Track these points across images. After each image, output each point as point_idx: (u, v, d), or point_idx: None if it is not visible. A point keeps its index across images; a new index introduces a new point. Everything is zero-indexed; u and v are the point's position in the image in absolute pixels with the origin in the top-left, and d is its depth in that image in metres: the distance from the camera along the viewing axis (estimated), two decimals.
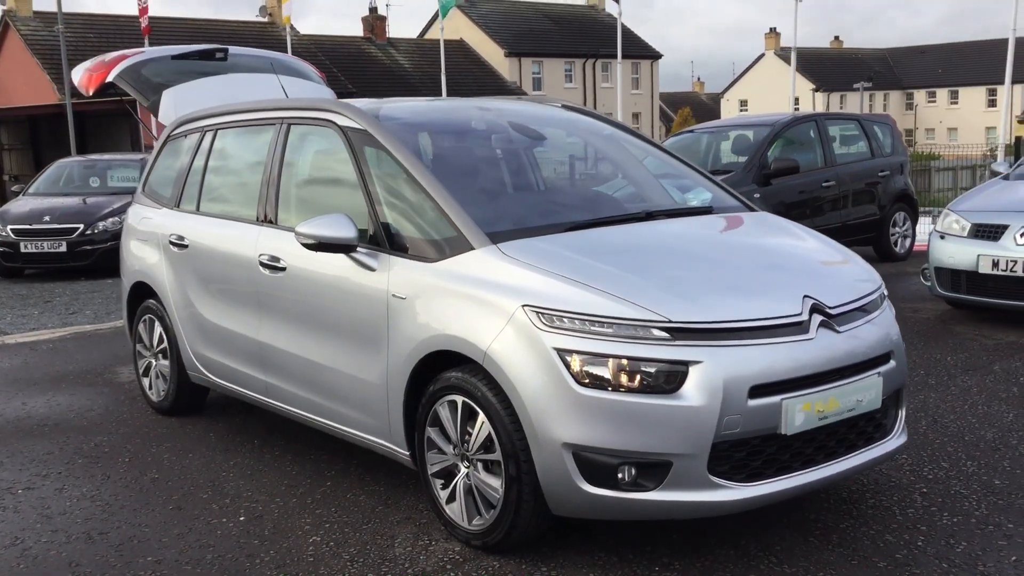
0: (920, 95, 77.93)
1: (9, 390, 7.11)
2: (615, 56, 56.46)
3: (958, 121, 74.19)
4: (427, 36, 54.38)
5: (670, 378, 3.51)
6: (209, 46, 7.15)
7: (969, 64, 74.65)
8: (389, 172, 4.50)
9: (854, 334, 3.86)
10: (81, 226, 13.45)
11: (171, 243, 5.90)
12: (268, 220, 5.13)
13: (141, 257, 6.28)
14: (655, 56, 57.12)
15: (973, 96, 74.26)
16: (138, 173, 14.68)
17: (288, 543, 4.18)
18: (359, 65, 44.61)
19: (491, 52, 50.91)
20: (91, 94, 7.08)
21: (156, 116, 6.59)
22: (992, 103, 71.97)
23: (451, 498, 4.09)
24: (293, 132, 5.17)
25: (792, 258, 4.31)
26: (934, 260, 8.07)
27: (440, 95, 45.82)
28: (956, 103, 75.64)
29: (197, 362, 5.80)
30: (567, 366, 3.57)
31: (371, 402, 4.40)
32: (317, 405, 4.79)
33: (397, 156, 4.43)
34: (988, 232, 7.63)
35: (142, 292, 6.35)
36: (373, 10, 49.25)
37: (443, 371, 4.05)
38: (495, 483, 3.85)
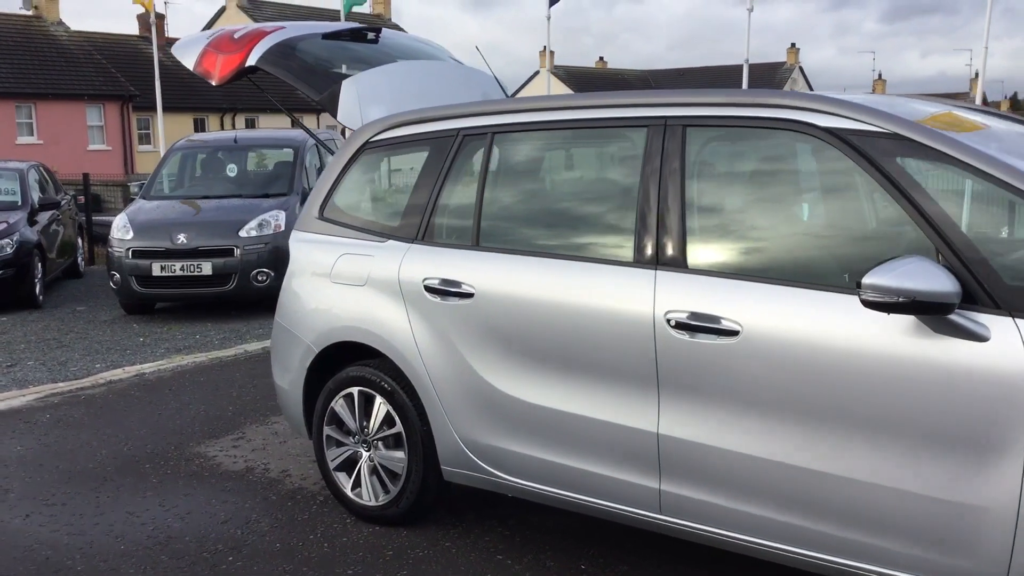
0: None
1: (74, 489, 5.07)
2: None
3: None
4: None
5: None
6: (357, 25, 5.40)
7: (722, 86, 78.71)
8: (979, 195, 3.19)
9: None
10: None
11: (429, 289, 4.22)
12: (667, 263, 3.63)
13: (348, 308, 4.51)
14: None
15: None
16: (16, 184, 12.01)
17: None
18: (137, 65, 40.87)
19: None
20: (221, 82, 5.11)
21: (333, 113, 4.80)
22: None
23: None
24: (694, 137, 3.69)
25: None
26: None
27: (227, 97, 42.72)
28: None
29: (473, 455, 4.17)
30: None
31: (981, 538, 3.02)
32: (815, 535, 3.32)
33: (997, 175, 3.09)
34: None
35: (340, 356, 4.61)
36: None
37: None
38: None
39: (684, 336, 3.51)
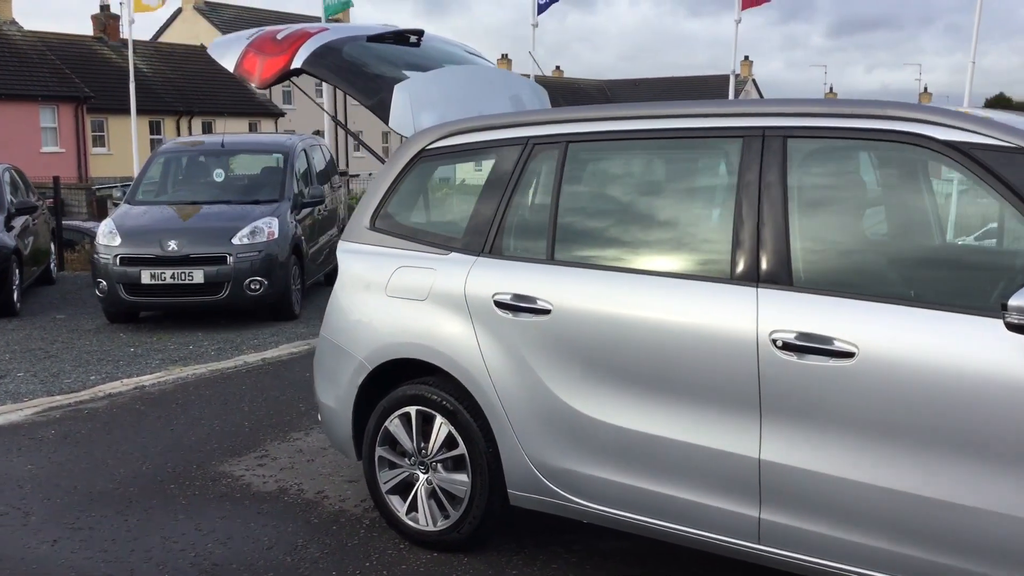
0: None
1: (100, 512, 4.79)
2: None
3: None
4: (163, 39, 50.11)
5: None
6: (400, 27, 5.17)
7: (673, 97, 79.03)
8: None
9: None
10: None
11: (499, 305, 4.02)
12: (769, 280, 3.46)
13: (407, 323, 4.29)
14: None
15: None
16: None
17: None
18: (92, 66, 40.06)
19: None
20: (264, 85, 4.85)
21: (384, 119, 4.57)
22: None
23: None
24: (796, 148, 3.53)
25: None
26: None
27: (183, 100, 42.04)
28: None
29: (545, 478, 3.96)
30: None
31: None
32: (937, 568, 3.14)
33: None
34: None
35: (392, 373, 4.39)
36: (105, 8, 44.59)
37: None
38: None
39: (792, 358, 3.34)
